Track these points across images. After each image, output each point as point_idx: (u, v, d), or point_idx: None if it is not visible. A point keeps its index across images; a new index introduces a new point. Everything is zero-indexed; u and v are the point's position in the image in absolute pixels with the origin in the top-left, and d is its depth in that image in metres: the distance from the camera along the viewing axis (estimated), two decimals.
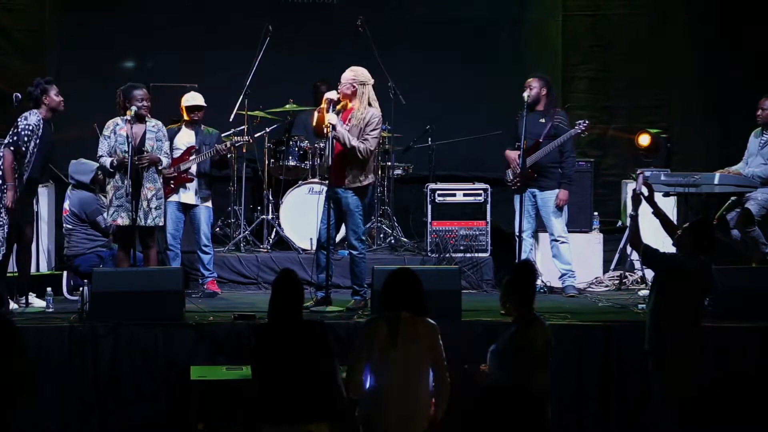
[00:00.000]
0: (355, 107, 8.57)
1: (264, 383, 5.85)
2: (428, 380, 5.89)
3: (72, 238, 9.47)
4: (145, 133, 8.86)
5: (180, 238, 9.51)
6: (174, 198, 9.48)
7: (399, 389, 5.81)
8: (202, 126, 9.68)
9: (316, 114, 8.68)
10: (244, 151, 10.25)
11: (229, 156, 9.94)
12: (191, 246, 9.65)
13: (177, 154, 9.49)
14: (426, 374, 5.88)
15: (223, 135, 9.99)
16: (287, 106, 10.96)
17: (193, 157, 9.51)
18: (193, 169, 9.54)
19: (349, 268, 8.77)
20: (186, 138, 9.60)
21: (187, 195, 9.54)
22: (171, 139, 9.44)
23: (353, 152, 8.47)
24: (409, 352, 5.83)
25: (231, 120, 10.37)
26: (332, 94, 8.58)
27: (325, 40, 11.54)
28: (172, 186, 9.43)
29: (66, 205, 9.51)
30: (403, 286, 5.98)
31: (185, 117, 9.62)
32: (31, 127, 8.45)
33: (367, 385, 5.88)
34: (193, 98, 9.63)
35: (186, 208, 9.56)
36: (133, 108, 8.73)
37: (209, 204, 9.66)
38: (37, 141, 8.49)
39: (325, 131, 8.52)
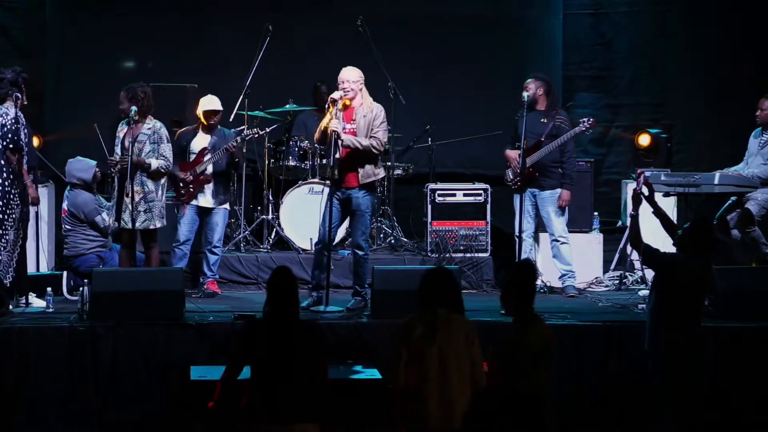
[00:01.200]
0: (357, 104, 8.59)
1: (253, 381, 5.84)
2: (467, 376, 5.88)
3: (70, 239, 9.45)
4: (139, 135, 8.85)
5: (192, 241, 9.50)
6: (193, 202, 9.47)
7: (438, 386, 5.81)
8: (219, 127, 9.64)
9: (322, 125, 8.61)
10: (256, 138, 10.06)
11: (238, 150, 9.77)
12: (198, 246, 9.65)
13: (193, 158, 9.49)
14: (465, 370, 5.87)
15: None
16: (287, 106, 10.96)
17: (207, 157, 9.47)
18: (210, 170, 9.51)
19: (353, 269, 8.77)
20: (201, 142, 9.55)
21: (205, 199, 9.50)
22: (186, 143, 9.45)
23: (368, 150, 8.53)
24: (447, 349, 5.83)
25: (231, 120, 10.36)
26: (335, 95, 8.59)
27: (325, 40, 11.53)
28: (191, 190, 9.42)
29: (64, 205, 9.50)
30: (439, 284, 6.00)
31: (203, 122, 9.57)
32: (13, 120, 8.40)
33: (407, 383, 5.87)
34: (209, 102, 9.54)
35: (203, 212, 9.53)
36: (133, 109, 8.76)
37: (227, 206, 9.64)
38: (25, 131, 8.46)
39: (331, 136, 8.51)
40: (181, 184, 9.41)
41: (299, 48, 11.46)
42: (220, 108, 9.56)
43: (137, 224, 8.77)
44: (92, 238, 9.43)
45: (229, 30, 11.61)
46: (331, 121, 8.48)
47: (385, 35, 11.02)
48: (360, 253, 8.67)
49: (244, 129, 9.84)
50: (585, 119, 9.64)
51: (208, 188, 9.50)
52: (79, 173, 9.49)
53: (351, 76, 8.58)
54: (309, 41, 11.53)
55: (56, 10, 11.70)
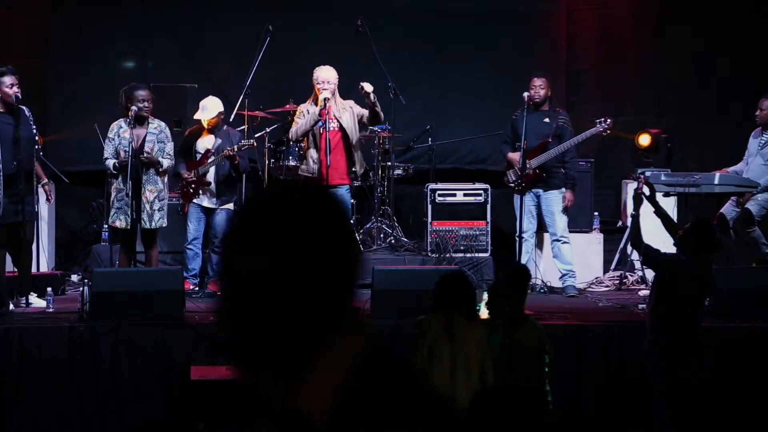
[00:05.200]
0: (334, 102, 8.74)
1: None
2: (473, 384, 5.88)
3: None
4: (146, 134, 8.85)
5: (201, 239, 9.52)
6: (195, 200, 9.48)
7: (447, 388, 5.81)
8: (225, 127, 9.62)
9: (312, 114, 8.65)
10: (253, 148, 10.09)
11: (238, 155, 9.77)
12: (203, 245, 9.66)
13: (199, 158, 9.48)
14: (473, 378, 5.87)
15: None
16: (287, 106, 10.95)
17: (210, 159, 9.47)
18: (211, 174, 9.50)
19: None
20: (206, 143, 9.56)
21: (208, 200, 9.51)
22: (193, 142, 9.44)
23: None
24: (460, 353, 5.83)
25: (231, 120, 10.35)
26: (327, 95, 8.66)
27: (325, 39, 11.50)
28: (192, 189, 9.42)
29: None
30: (458, 290, 5.99)
31: (203, 125, 9.60)
32: None
33: None
34: (201, 109, 9.54)
35: (207, 212, 9.54)
36: (134, 108, 8.71)
37: (231, 206, 9.62)
38: None
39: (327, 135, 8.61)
40: (184, 183, 9.42)
41: (299, 48, 11.43)
42: (215, 113, 9.50)
43: (153, 223, 8.81)
44: None
45: (229, 30, 11.59)
46: (342, 118, 8.61)
47: (385, 34, 11.00)
48: None
49: (243, 139, 9.74)
50: (601, 119, 9.58)
51: (211, 189, 9.50)
52: None
53: (332, 75, 8.81)
54: (309, 41, 11.50)
55: (56, 9, 11.68)
